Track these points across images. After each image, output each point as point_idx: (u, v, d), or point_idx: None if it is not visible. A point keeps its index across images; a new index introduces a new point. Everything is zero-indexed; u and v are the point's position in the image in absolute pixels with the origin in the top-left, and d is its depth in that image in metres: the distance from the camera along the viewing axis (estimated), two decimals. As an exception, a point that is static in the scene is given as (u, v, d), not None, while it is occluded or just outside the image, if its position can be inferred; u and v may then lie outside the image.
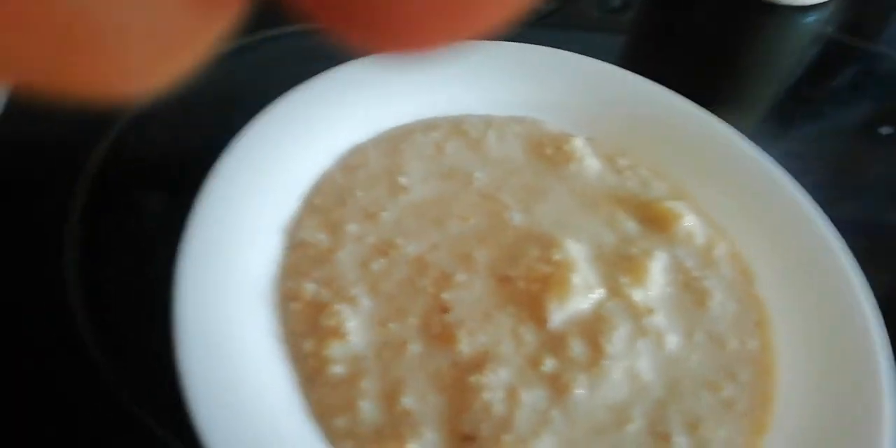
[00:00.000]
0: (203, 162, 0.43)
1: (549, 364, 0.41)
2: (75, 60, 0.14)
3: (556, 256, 0.44)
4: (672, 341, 0.44)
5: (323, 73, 0.48)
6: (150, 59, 0.14)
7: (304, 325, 0.40)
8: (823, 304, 0.47)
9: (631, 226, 0.48)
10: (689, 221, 0.49)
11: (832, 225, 0.49)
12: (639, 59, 0.64)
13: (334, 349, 0.39)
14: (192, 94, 0.50)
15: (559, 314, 0.43)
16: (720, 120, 0.52)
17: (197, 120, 0.50)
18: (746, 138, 0.52)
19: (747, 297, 0.47)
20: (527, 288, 0.43)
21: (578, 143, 0.51)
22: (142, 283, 0.41)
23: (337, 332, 0.40)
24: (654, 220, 0.49)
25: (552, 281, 0.43)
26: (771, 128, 0.64)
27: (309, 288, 0.41)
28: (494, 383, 0.40)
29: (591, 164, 0.51)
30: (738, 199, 0.51)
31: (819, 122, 0.65)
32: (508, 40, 0.52)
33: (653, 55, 0.68)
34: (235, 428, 0.35)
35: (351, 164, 0.47)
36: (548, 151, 0.50)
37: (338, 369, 0.39)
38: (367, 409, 0.38)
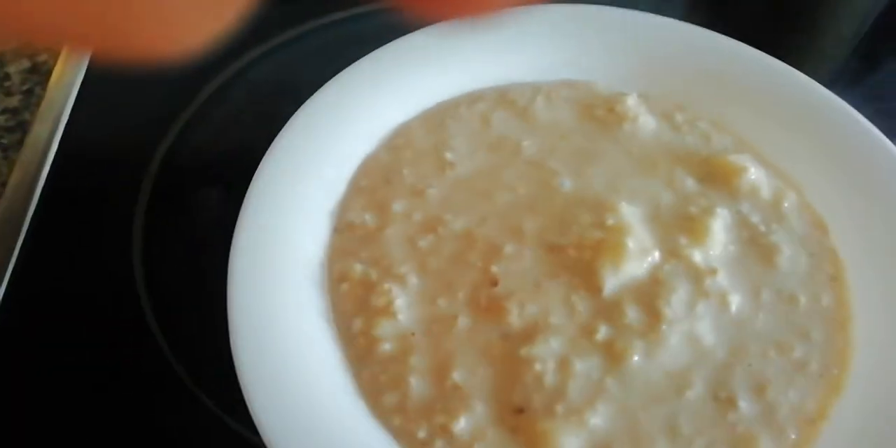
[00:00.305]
0: (256, 155, 0.44)
1: (603, 332, 0.40)
2: (127, 21, 0.15)
3: (610, 221, 0.43)
4: (736, 302, 0.42)
5: (363, 58, 0.48)
6: (196, 17, 0.16)
7: (353, 305, 0.41)
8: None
9: (691, 183, 0.47)
10: (754, 174, 0.46)
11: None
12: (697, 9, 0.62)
13: (383, 327, 0.40)
14: (240, 90, 0.51)
15: (613, 280, 0.42)
16: (782, 63, 0.49)
17: (247, 116, 0.52)
18: (813, 80, 0.49)
19: (820, 250, 0.45)
20: (579, 255, 0.43)
21: (631, 102, 0.49)
22: (200, 272, 0.43)
23: (386, 311, 0.40)
24: (716, 176, 0.47)
25: (605, 247, 0.42)
26: (853, 68, 0.60)
27: (357, 268, 0.42)
28: (545, 354, 0.40)
29: (647, 121, 0.49)
30: (808, 146, 0.48)
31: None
32: (549, 2, 0.51)
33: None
34: (286, 406, 0.36)
35: (396, 143, 0.47)
36: (599, 113, 0.49)
37: (387, 347, 0.40)
38: (417, 385, 0.39)
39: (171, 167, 0.49)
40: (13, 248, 0.44)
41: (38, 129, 0.49)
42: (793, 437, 0.39)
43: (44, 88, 0.51)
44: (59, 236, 0.46)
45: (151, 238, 0.46)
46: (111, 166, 0.48)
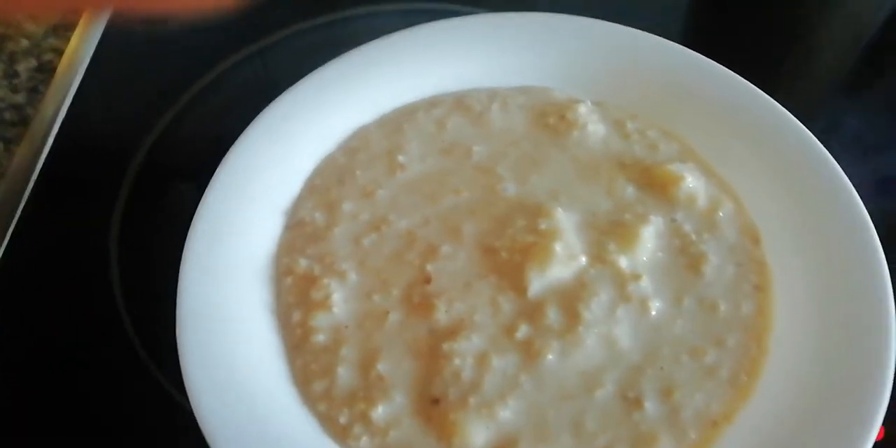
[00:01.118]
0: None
1: (523, 331, 0.43)
2: None
3: (542, 226, 0.46)
4: (657, 307, 0.44)
5: (328, 62, 0.51)
6: None
7: (295, 298, 0.45)
8: (832, 270, 0.45)
9: (630, 191, 0.49)
10: (691, 183, 0.48)
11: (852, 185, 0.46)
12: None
13: (319, 319, 0.44)
14: (226, 90, 0.55)
15: (539, 283, 0.44)
16: (734, 73, 0.51)
17: (228, 115, 0.55)
18: (762, 91, 0.50)
19: (748, 261, 0.46)
20: (510, 258, 0.45)
21: (582, 110, 0.51)
22: (172, 263, 0.47)
23: (323, 304, 0.44)
24: (655, 185, 0.49)
25: (534, 250, 0.45)
26: (855, 81, 0.61)
27: (302, 263, 0.46)
28: (466, 349, 0.43)
29: (596, 129, 0.51)
30: (752, 156, 0.49)
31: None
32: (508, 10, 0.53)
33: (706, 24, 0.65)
34: (222, 389, 0.40)
35: (353, 146, 0.50)
36: (551, 120, 0.51)
37: (321, 338, 0.43)
38: (344, 374, 0.42)
39: (153, 162, 0.53)
40: (4, 234, 0.49)
41: (38, 124, 0.54)
42: (693, 437, 0.41)
43: (47, 86, 0.56)
44: (46, 223, 0.51)
45: (128, 229, 0.51)
46: (99, 159, 0.53)
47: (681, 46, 0.52)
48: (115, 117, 0.55)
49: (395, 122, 0.51)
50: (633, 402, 0.42)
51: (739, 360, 0.43)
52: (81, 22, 0.59)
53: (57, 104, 0.55)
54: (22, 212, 0.50)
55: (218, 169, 0.47)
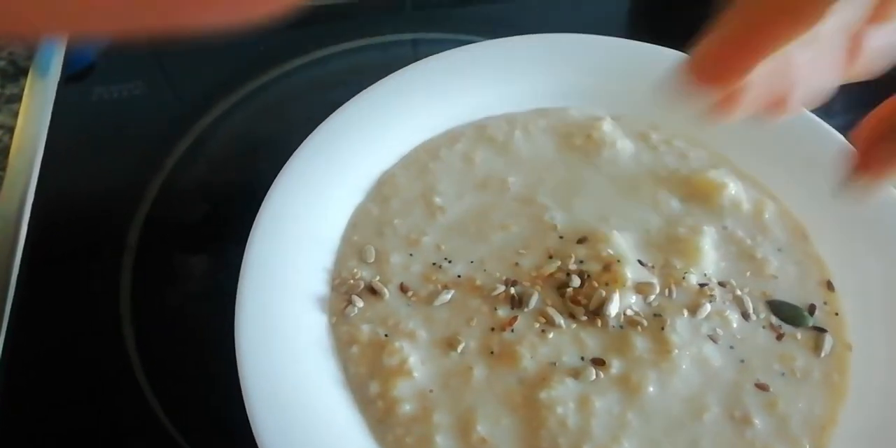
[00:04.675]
0: (239, 212, 0.44)
1: (616, 365, 0.41)
2: None
3: (605, 252, 0.44)
4: (735, 319, 0.43)
5: (337, 111, 0.47)
6: None
7: (367, 368, 0.41)
8: (882, 251, 0.46)
9: (675, 204, 0.48)
10: (734, 189, 0.48)
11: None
12: (638, 27, 0.62)
13: (401, 388, 0.40)
14: (214, 145, 0.50)
15: (617, 312, 0.42)
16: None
17: (226, 172, 0.51)
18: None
19: (806, 258, 0.46)
20: (581, 290, 0.43)
21: (607, 127, 0.50)
22: (188, 330, 0.42)
23: (401, 370, 0.41)
24: (698, 195, 0.48)
25: (605, 279, 0.43)
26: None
27: (365, 329, 0.42)
28: (564, 395, 0.40)
29: (624, 146, 0.50)
30: (777, 152, 0.49)
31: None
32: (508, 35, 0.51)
33: (651, 19, 0.65)
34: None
35: (383, 193, 0.47)
36: (577, 142, 0.50)
37: (407, 407, 0.40)
38: (444, 443, 0.39)
39: (150, 236, 0.48)
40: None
41: (4, 213, 0.47)
42: (807, 445, 0.40)
43: (3, 168, 0.49)
44: (43, 311, 0.45)
45: (138, 299, 0.45)
46: (87, 243, 0.47)
47: (686, 55, 0.51)
48: (92, 192, 0.49)
49: (420, 162, 0.48)
50: (742, 421, 0.41)
51: (826, 359, 0.43)
52: (26, 91, 0.52)
53: (21, 187, 0.48)
54: (11, 309, 0.44)
55: (251, 236, 0.42)
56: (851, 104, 0.59)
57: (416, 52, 0.51)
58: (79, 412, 0.43)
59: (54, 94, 0.52)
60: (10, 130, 0.51)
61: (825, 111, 0.56)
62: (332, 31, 0.56)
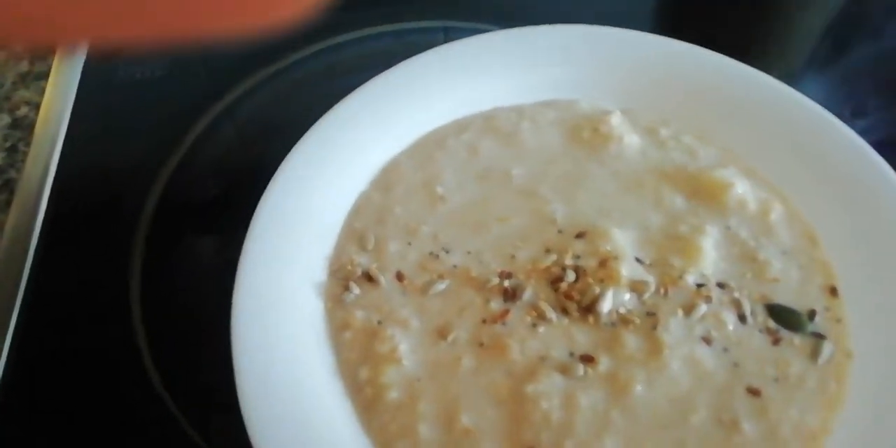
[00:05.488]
0: (247, 196, 0.44)
1: (605, 363, 0.41)
2: None
3: (603, 248, 0.44)
4: (731, 321, 0.43)
5: (348, 95, 0.48)
6: None
7: (358, 353, 0.42)
8: (894, 257, 0.45)
9: (679, 202, 0.47)
10: (740, 189, 0.47)
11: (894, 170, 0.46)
12: (662, 20, 0.61)
13: (390, 375, 0.41)
14: (226, 131, 0.51)
15: (610, 309, 0.42)
16: (762, 72, 0.49)
17: (236, 157, 0.52)
18: (792, 89, 0.49)
19: (811, 262, 0.46)
20: (576, 285, 0.43)
21: (615, 121, 0.49)
22: (200, 319, 0.43)
23: (391, 357, 0.41)
24: (703, 193, 0.47)
25: (600, 276, 0.43)
26: (826, 54, 0.60)
27: (359, 315, 0.43)
28: (550, 390, 0.40)
29: (632, 140, 0.49)
30: (792, 153, 0.48)
31: (877, 40, 0.60)
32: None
33: (677, 12, 0.64)
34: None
35: (387, 180, 0.47)
36: (585, 135, 0.49)
37: (394, 394, 0.40)
38: (427, 431, 0.39)
39: (162, 212, 0.49)
40: (12, 306, 0.45)
41: (26, 187, 0.49)
42: (796, 453, 0.40)
43: (28, 144, 0.51)
44: (54, 294, 0.46)
45: (149, 287, 0.46)
46: (102, 218, 0.48)
47: (701, 49, 0.50)
48: (111, 169, 0.51)
49: (426, 151, 0.48)
50: (730, 426, 0.40)
51: (824, 366, 0.42)
52: (54, 69, 0.54)
53: (43, 162, 0.50)
54: (27, 282, 0.46)
55: (253, 219, 0.43)
56: (885, 102, 0.58)
57: (432, 40, 0.51)
58: (84, 389, 0.44)
59: (80, 73, 0.54)
60: (37, 107, 0.53)
61: (857, 109, 0.55)
62: (350, 17, 0.56)
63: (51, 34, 0.17)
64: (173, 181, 0.50)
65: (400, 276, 0.44)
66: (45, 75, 0.54)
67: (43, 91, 0.53)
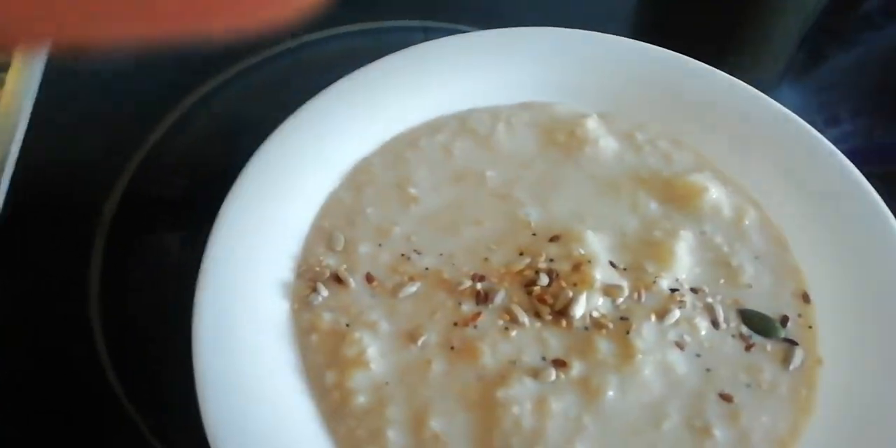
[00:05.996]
0: (214, 194, 0.43)
1: (577, 367, 0.41)
2: None
3: (577, 251, 0.43)
4: (704, 326, 0.43)
5: (320, 93, 0.47)
6: None
7: (325, 357, 0.41)
8: (864, 264, 0.45)
9: (654, 206, 0.47)
10: (715, 193, 0.47)
11: (866, 178, 0.46)
12: (642, 25, 0.62)
13: (357, 379, 0.40)
14: (196, 126, 0.50)
15: (583, 313, 0.42)
16: (738, 80, 0.49)
17: (205, 152, 0.51)
18: (765, 96, 0.49)
19: (782, 267, 0.45)
20: (549, 289, 0.43)
21: (591, 125, 0.49)
22: (160, 318, 0.42)
23: (358, 361, 0.40)
24: (678, 198, 0.47)
25: (574, 279, 0.42)
26: (801, 63, 0.61)
27: (327, 317, 0.42)
28: (522, 395, 0.40)
29: (608, 144, 0.49)
30: (765, 159, 0.48)
31: (851, 51, 0.61)
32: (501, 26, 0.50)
33: (656, 18, 0.64)
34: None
35: (358, 180, 0.46)
36: (560, 138, 0.49)
37: (361, 399, 0.39)
38: (395, 437, 0.38)
39: (125, 210, 0.48)
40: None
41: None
42: (767, 460, 0.40)
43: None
44: (9, 297, 0.45)
45: (108, 286, 0.45)
46: (63, 214, 0.47)
47: (679, 55, 0.50)
48: (73, 163, 0.49)
49: (398, 151, 0.47)
50: (701, 432, 0.40)
51: (795, 372, 0.42)
52: (14, 62, 0.52)
53: (0, 157, 0.48)
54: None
55: (218, 216, 0.42)
56: (857, 111, 0.59)
57: (412, 40, 0.50)
58: (40, 383, 0.43)
59: (44, 64, 0.52)
60: (-5, 100, 0.51)
61: (830, 118, 0.55)
62: (329, 14, 0.55)
63: (39, 31, 0.16)
64: (138, 177, 0.49)
65: (370, 278, 0.43)
66: (5, 67, 0.52)
67: (3, 83, 0.51)
